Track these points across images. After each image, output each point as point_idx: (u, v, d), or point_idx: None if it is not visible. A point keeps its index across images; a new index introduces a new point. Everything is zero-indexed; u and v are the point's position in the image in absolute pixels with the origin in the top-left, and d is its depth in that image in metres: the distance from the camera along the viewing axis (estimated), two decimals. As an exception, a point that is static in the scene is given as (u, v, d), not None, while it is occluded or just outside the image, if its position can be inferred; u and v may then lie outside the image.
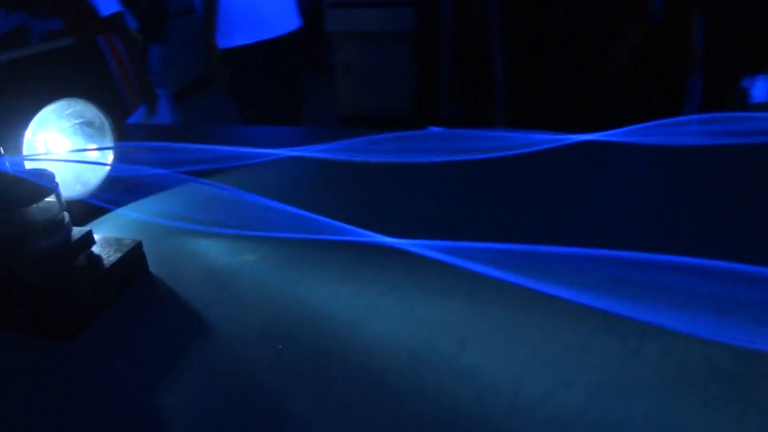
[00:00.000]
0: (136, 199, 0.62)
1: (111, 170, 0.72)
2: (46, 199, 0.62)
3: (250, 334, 0.58)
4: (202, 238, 0.75)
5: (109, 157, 0.83)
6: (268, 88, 2.06)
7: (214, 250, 0.72)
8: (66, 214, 0.64)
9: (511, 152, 0.57)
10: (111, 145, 0.82)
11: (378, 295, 0.62)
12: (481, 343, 0.54)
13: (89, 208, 0.78)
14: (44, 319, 0.60)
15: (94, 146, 0.82)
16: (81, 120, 0.82)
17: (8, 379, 0.55)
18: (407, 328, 0.57)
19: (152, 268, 0.69)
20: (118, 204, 0.68)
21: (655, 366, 0.51)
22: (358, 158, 0.56)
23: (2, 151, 0.60)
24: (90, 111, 0.81)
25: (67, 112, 0.80)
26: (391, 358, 0.53)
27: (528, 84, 1.87)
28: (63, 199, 0.63)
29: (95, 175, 0.82)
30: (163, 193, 0.78)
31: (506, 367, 0.51)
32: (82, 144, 0.82)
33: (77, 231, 0.65)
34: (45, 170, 0.63)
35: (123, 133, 0.83)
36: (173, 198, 0.78)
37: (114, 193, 0.63)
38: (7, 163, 0.59)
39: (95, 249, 0.66)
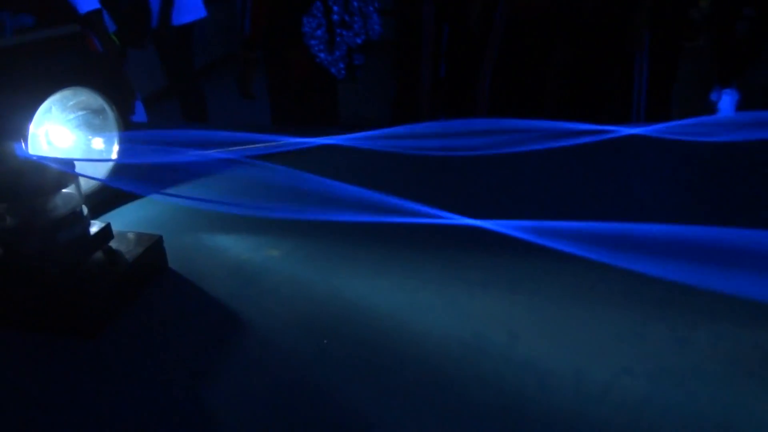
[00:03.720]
0: (161, 187, 0.58)
1: (133, 157, 0.68)
2: (66, 190, 0.58)
3: (290, 330, 0.56)
4: (220, 233, 0.72)
5: (114, 148, 0.79)
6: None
7: (235, 245, 0.69)
8: (84, 206, 0.60)
9: (557, 143, 0.56)
10: (116, 137, 0.78)
11: (417, 288, 0.60)
12: (533, 334, 0.54)
13: (102, 198, 0.74)
14: (63, 317, 0.56)
15: (99, 139, 0.78)
16: (85, 111, 0.78)
17: (28, 380, 0.51)
18: (454, 320, 0.56)
19: (171, 264, 0.66)
20: (139, 192, 0.65)
21: (708, 353, 0.51)
22: (401, 148, 0.55)
23: (22, 140, 0.56)
24: (95, 101, 0.77)
25: (72, 102, 0.76)
26: (445, 350, 0.52)
27: (511, 95, 1.90)
28: (82, 189, 0.60)
29: (98, 170, 0.78)
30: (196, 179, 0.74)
31: (563, 356, 0.51)
32: (85, 137, 0.78)
33: (95, 224, 0.61)
34: (65, 158, 0.59)
35: (128, 124, 0.80)
36: (209, 183, 0.74)
37: (134, 180, 0.59)
38: (25, 147, 0.55)
39: (114, 243, 0.62)
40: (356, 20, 1.65)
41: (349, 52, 1.69)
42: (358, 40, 1.67)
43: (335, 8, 1.61)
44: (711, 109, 2.50)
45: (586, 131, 0.56)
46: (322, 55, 1.64)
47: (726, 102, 2.32)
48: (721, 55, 2.56)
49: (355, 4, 1.64)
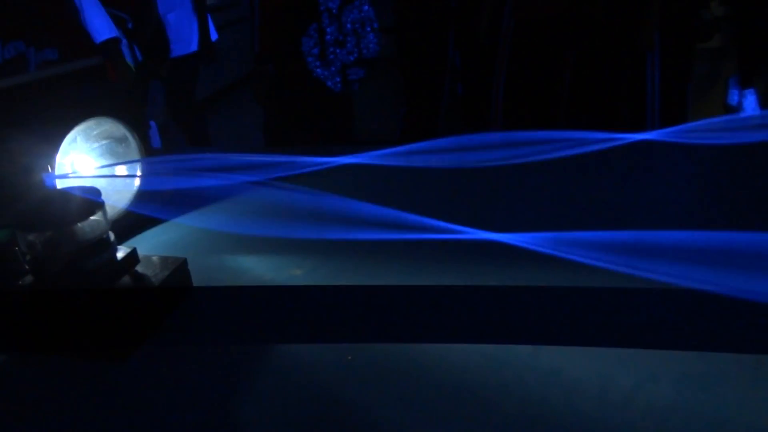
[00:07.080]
0: (182, 211, 0.60)
1: (151, 184, 0.70)
2: (93, 217, 0.60)
3: (314, 347, 0.56)
4: (243, 254, 0.73)
5: (137, 175, 0.81)
6: None
7: (257, 266, 0.71)
8: (111, 232, 0.62)
9: (570, 152, 0.57)
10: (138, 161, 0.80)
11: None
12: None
13: (127, 224, 0.76)
14: (93, 341, 0.58)
15: (122, 166, 0.80)
16: (109, 140, 0.80)
17: (60, 404, 0.53)
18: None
19: (196, 285, 0.67)
20: (162, 216, 0.66)
21: (734, 357, 0.51)
22: (419, 163, 0.56)
23: (50, 170, 0.58)
24: (118, 130, 0.79)
25: (95, 132, 0.79)
26: (468, 362, 0.52)
27: (524, 103, 1.91)
28: (108, 217, 0.61)
29: (122, 197, 0.80)
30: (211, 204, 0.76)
31: (587, 365, 0.51)
32: (109, 165, 0.80)
33: (121, 249, 0.63)
34: (91, 186, 0.61)
35: (149, 150, 0.82)
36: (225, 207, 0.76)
37: (157, 205, 0.61)
38: (55, 180, 0.57)
39: (140, 268, 0.64)
40: (349, 40, 1.82)
41: (343, 67, 1.85)
42: (351, 58, 1.84)
43: (329, 29, 1.77)
44: (731, 110, 2.47)
45: (598, 139, 0.57)
46: (318, 70, 1.81)
47: (751, 101, 2.30)
48: (743, 55, 2.53)
49: (349, 26, 1.82)
